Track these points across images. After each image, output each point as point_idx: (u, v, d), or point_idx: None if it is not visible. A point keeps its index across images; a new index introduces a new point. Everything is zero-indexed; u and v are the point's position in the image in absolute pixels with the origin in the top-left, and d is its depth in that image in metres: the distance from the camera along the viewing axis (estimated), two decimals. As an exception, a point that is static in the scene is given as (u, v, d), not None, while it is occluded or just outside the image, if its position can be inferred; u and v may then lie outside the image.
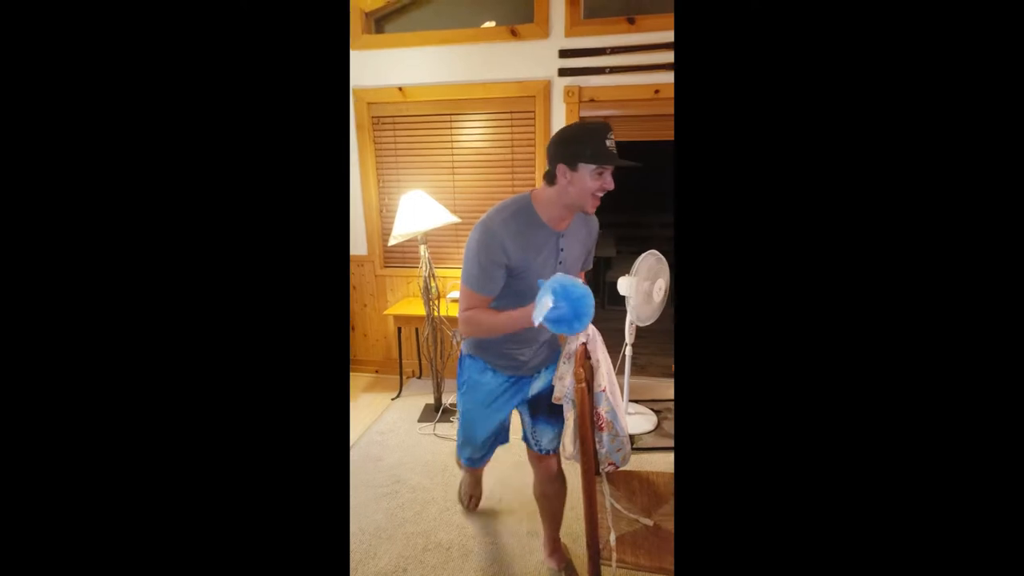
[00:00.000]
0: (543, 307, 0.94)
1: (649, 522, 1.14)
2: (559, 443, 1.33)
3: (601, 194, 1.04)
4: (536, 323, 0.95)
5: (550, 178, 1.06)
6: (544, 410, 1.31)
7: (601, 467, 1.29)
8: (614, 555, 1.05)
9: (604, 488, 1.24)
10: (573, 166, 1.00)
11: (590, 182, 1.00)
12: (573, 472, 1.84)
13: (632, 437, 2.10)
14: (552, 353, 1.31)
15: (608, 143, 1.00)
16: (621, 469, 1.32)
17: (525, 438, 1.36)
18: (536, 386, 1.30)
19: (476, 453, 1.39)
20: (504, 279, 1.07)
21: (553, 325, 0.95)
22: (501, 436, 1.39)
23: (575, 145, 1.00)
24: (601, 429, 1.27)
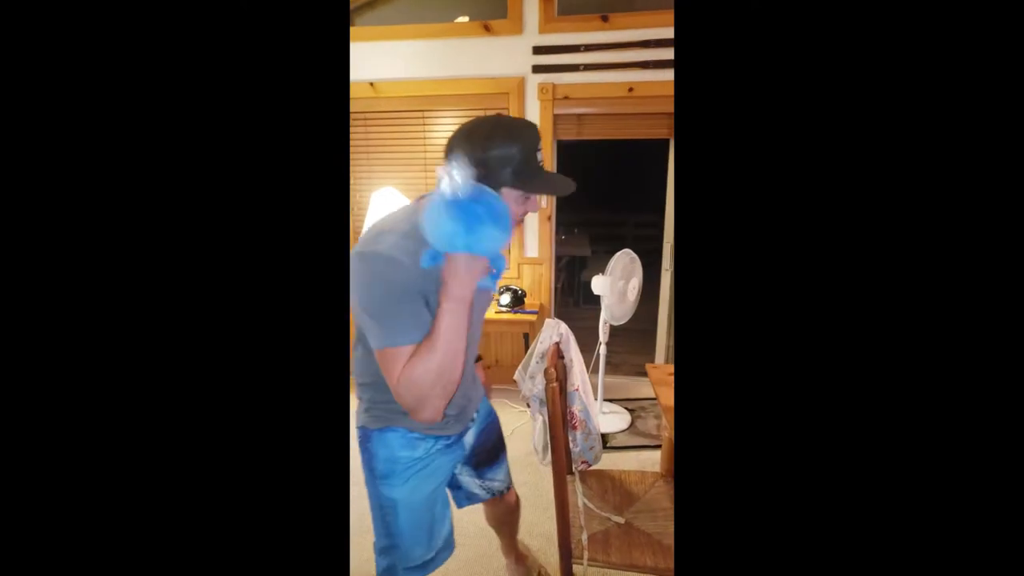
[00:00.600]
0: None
1: (621, 520, 1.14)
2: (510, 474, 1.17)
3: (522, 218, 0.78)
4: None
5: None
6: (488, 452, 1.09)
7: (574, 466, 1.29)
8: (586, 554, 1.05)
9: (576, 487, 1.23)
10: (493, 184, 0.70)
11: (513, 207, 0.72)
12: (545, 472, 1.84)
13: (606, 436, 2.11)
14: (479, 391, 1.04)
15: (539, 156, 0.72)
16: (593, 468, 1.32)
17: (470, 500, 1.11)
18: (471, 436, 1.01)
19: (427, 554, 0.94)
20: (428, 317, 0.72)
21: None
22: (449, 523, 1.00)
23: (497, 160, 0.70)
24: (575, 428, 1.27)
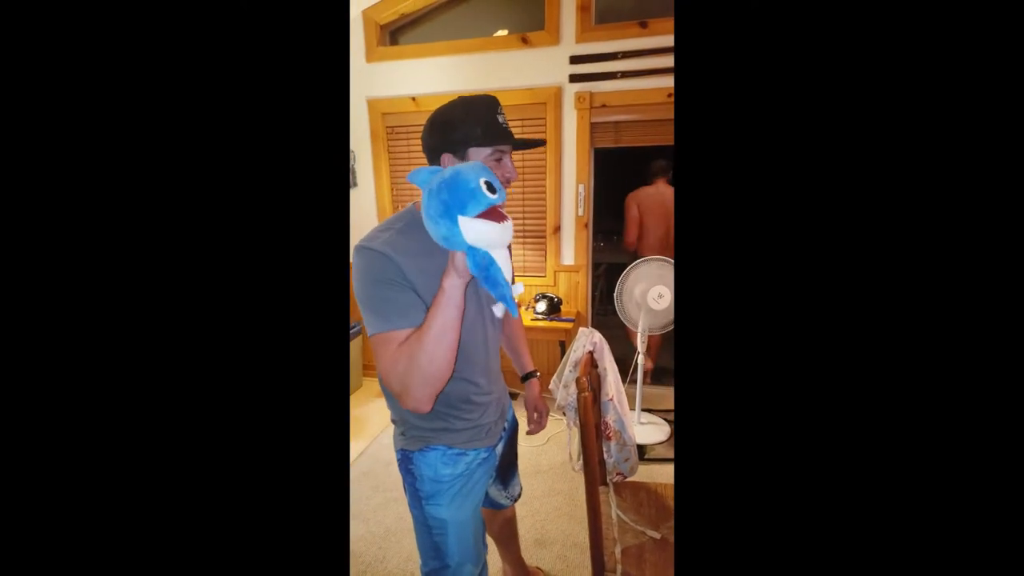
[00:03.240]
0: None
1: (656, 535, 1.12)
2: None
3: (506, 184, 0.80)
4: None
5: None
6: (510, 461, 1.13)
7: (609, 477, 1.27)
8: (619, 567, 1.03)
9: (611, 499, 1.22)
10: (462, 153, 0.77)
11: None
12: (581, 482, 1.82)
13: (644, 447, 2.06)
14: (507, 402, 1.05)
15: (500, 119, 0.79)
16: (630, 480, 1.30)
17: (493, 507, 1.17)
18: (500, 447, 1.03)
19: (475, 570, 0.97)
20: (422, 307, 0.74)
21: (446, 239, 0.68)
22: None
23: (461, 125, 0.77)
24: (609, 439, 1.26)
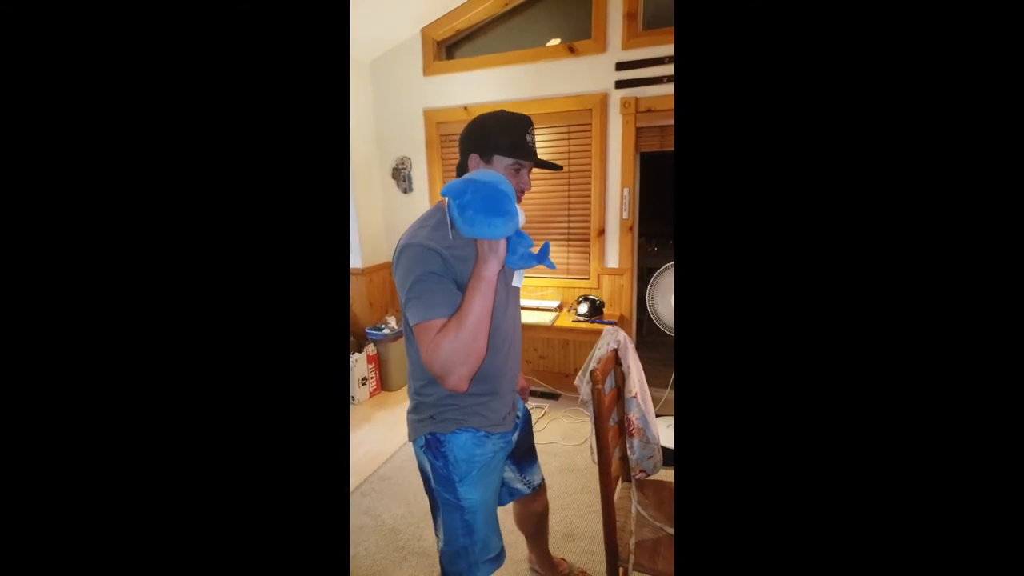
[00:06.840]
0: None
1: (673, 531, 1.13)
2: (541, 469, 1.26)
3: (520, 195, 0.91)
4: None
5: (461, 171, 0.92)
6: (526, 450, 1.19)
7: (632, 473, 1.30)
8: (632, 558, 1.06)
9: (632, 494, 1.25)
10: (488, 157, 0.88)
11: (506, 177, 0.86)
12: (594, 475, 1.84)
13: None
14: (515, 396, 1.09)
15: (529, 138, 0.90)
16: (655, 478, 1.32)
17: (512, 496, 1.20)
18: (515, 436, 1.10)
19: (500, 543, 1.05)
20: (459, 297, 0.82)
21: (468, 226, 0.79)
22: None
23: (493, 134, 0.88)
24: (632, 435, 1.29)
